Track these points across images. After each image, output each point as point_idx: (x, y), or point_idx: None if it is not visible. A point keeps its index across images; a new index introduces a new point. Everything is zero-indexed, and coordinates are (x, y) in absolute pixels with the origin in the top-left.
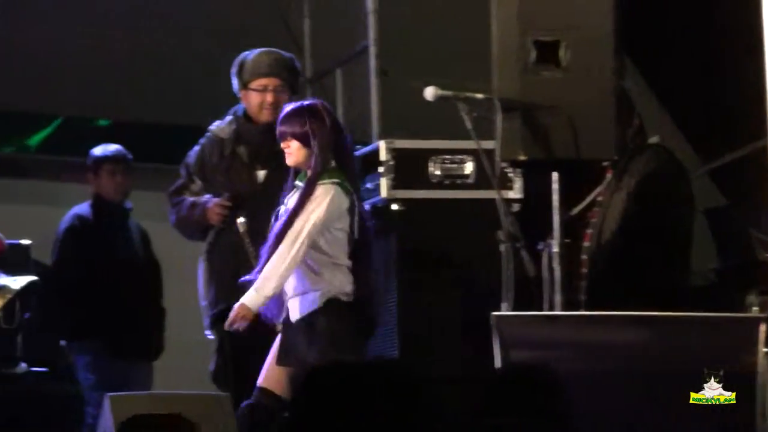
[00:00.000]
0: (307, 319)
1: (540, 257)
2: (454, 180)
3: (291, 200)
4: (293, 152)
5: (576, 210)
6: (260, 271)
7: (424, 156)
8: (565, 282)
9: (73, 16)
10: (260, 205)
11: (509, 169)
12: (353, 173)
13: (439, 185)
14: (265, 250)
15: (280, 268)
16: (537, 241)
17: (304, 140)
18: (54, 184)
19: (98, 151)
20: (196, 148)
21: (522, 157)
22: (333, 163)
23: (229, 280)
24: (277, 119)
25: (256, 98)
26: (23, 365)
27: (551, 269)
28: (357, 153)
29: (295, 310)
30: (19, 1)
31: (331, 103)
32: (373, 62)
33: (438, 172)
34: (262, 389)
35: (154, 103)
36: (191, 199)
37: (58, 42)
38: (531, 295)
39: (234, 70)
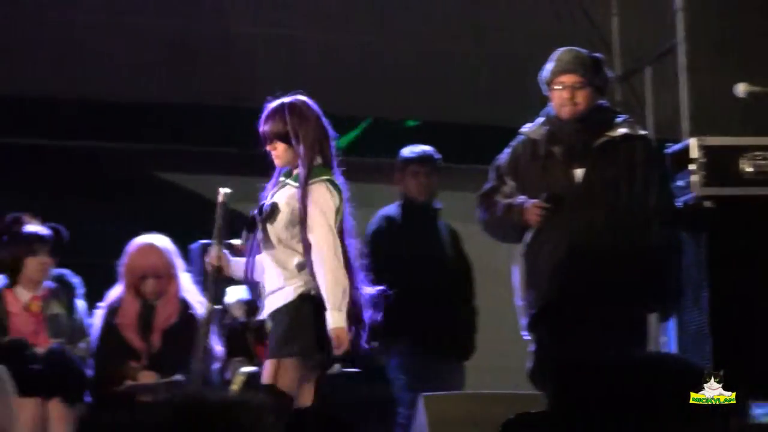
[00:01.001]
0: (283, 311)
1: None
2: (767, 177)
3: (278, 195)
4: (280, 155)
5: None
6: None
7: (735, 153)
8: None
9: (383, 21)
10: (580, 204)
11: None
12: (336, 171)
13: (752, 182)
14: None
15: (339, 280)
16: None
17: (288, 140)
18: (363, 185)
19: (405, 152)
20: (507, 150)
21: None
22: (319, 160)
23: (548, 280)
24: (578, 115)
25: (557, 96)
26: (337, 366)
27: None
28: (667, 150)
29: (270, 306)
30: (326, 5)
31: (640, 101)
32: (682, 60)
33: (750, 169)
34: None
35: (463, 104)
36: (505, 201)
37: (368, 45)
38: None
39: (541, 71)
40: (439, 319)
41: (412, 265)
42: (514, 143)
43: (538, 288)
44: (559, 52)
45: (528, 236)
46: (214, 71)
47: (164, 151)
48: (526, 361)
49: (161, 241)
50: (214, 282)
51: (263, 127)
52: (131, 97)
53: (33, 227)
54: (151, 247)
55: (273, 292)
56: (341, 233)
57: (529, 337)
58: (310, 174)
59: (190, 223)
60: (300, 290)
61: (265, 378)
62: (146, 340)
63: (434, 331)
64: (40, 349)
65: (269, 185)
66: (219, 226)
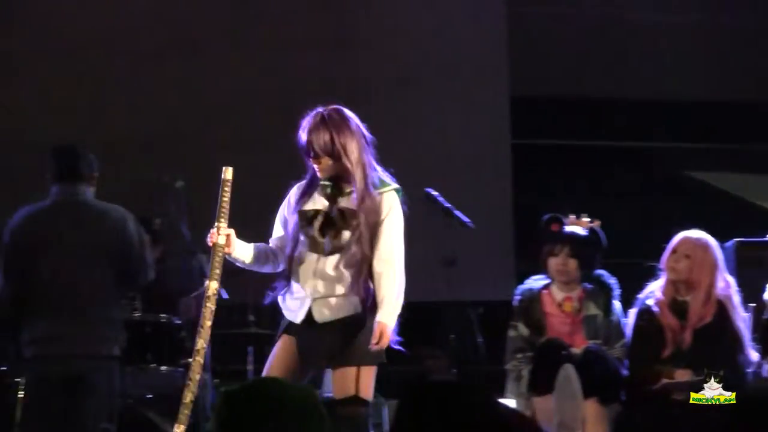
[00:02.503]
0: (348, 321)
1: None
2: None
3: (343, 202)
4: (326, 168)
5: None
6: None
7: None
8: None
9: None
10: None
11: None
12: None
13: None
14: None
15: (402, 290)
16: None
17: (333, 155)
18: None
19: None
20: None
21: None
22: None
23: None
24: None
25: None
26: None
27: None
28: None
29: (332, 310)
30: None
31: None
32: None
33: None
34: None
35: None
36: None
37: None
38: None
39: None
40: None
41: None
42: None
43: None
44: None
45: None
46: (742, 67)
47: (696, 150)
48: None
49: (701, 234)
50: (218, 259)
51: (306, 139)
52: (670, 95)
53: (571, 228)
54: (686, 240)
55: (338, 296)
56: None
57: None
58: (381, 183)
59: (719, 223)
60: (357, 301)
61: (345, 385)
62: (680, 337)
63: None
64: (575, 350)
65: (300, 189)
66: (223, 203)
